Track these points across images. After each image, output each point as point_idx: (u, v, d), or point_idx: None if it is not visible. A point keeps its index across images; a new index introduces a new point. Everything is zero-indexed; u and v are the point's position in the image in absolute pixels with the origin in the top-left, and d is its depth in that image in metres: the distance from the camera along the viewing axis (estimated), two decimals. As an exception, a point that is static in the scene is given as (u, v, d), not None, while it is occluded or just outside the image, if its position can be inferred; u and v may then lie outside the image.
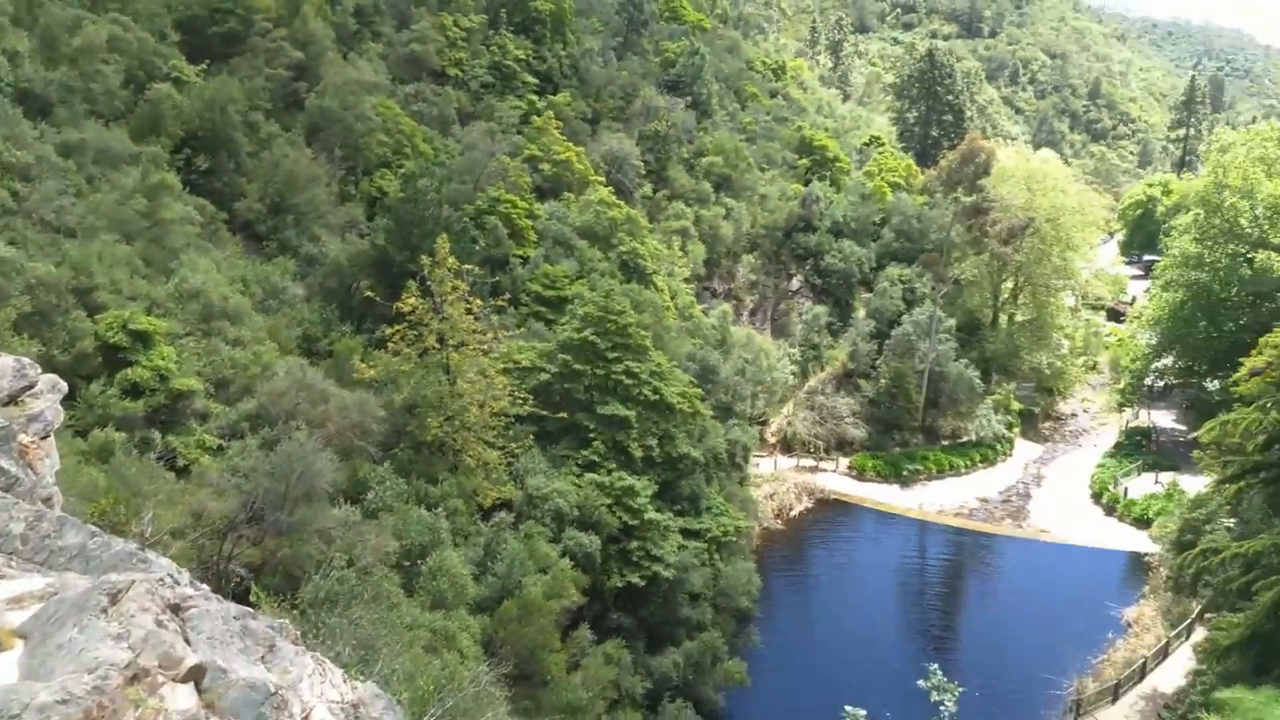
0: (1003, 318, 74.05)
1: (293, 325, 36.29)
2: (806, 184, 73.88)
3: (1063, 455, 66.38)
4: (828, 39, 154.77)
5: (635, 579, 33.99)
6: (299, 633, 6.46)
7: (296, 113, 46.47)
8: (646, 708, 32.37)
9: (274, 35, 47.12)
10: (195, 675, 4.69)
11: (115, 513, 16.65)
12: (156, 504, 19.01)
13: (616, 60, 70.69)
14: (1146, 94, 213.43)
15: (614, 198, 54.42)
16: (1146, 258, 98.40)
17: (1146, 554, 47.16)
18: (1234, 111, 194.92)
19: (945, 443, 63.13)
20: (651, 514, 35.22)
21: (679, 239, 60.15)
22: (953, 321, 66.45)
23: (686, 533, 36.90)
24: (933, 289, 67.93)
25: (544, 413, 37.29)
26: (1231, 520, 34.46)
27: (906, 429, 62.29)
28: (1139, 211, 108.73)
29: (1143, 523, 50.97)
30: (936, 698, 8.98)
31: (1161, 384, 69.71)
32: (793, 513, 53.98)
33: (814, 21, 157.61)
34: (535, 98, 60.43)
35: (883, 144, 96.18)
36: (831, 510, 55.27)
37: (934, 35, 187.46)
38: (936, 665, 9.23)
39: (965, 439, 63.30)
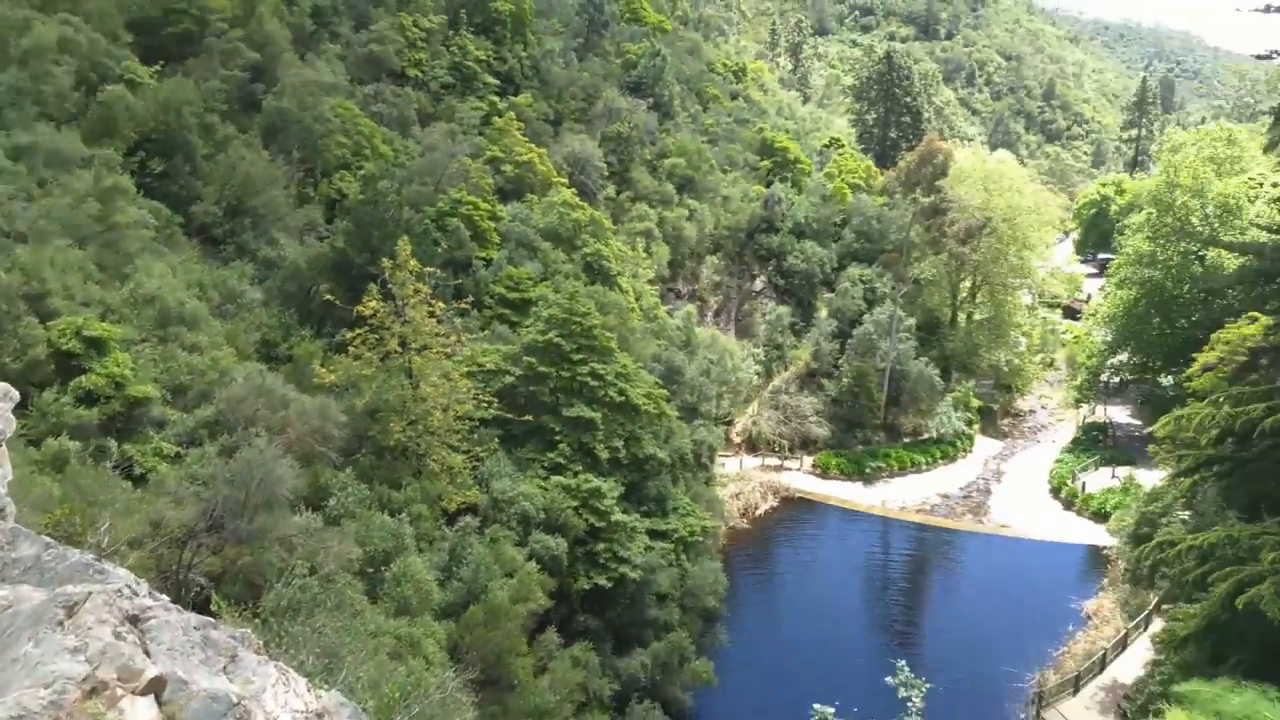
0: (961, 316, 75.05)
1: (251, 330, 35.76)
2: (768, 185, 74.38)
3: (1022, 451, 67.39)
4: (787, 41, 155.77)
5: (602, 581, 33.97)
6: (261, 642, 6.36)
7: (253, 114, 45.83)
8: (614, 709, 32.35)
9: (230, 36, 46.42)
10: (155, 687, 4.59)
11: (70, 523, 16.32)
12: (113, 513, 18.66)
13: (578, 61, 70.66)
14: (1099, 95, 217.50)
15: (577, 199, 54.36)
16: (1101, 256, 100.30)
17: (1105, 547, 47.96)
18: (1184, 112, 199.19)
19: (907, 440, 63.85)
20: (618, 515, 35.22)
21: (643, 240, 60.22)
22: (913, 320, 67.22)
23: (653, 534, 36.94)
24: (893, 288, 68.69)
25: (509, 415, 37.14)
26: (1187, 513, 35.09)
27: (869, 427, 62.93)
28: (1093, 211, 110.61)
29: (1101, 516, 51.88)
30: (904, 694, 9.06)
31: (1117, 380, 71.11)
32: (758, 512, 54.28)
33: (774, 24, 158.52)
34: (496, 99, 60.20)
35: (842, 145, 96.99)
36: (796, 508, 55.66)
37: (892, 37, 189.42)
38: (904, 662, 9.31)
39: (926, 436, 64.07)
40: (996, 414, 72.52)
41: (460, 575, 29.94)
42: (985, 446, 66.78)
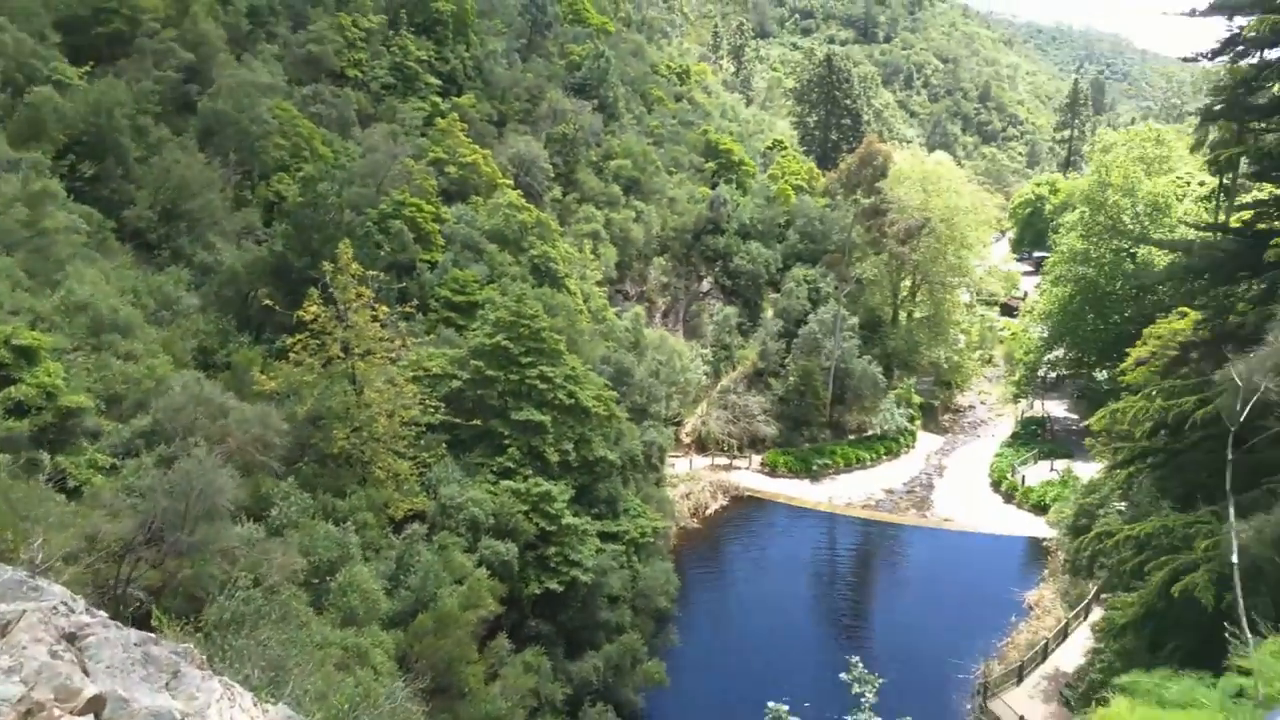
0: (902, 315, 76.34)
1: (188, 337, 34.86)
2: (713, 187, 74.85)
3: (962, 446, 68.75)
4: (729, 44, 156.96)
5: (554, 585, 33.80)
6: (205, 657, 6.19)
7: (188, 116, 44.72)
8: (567, 713, 32.23)
9: (162, 36, 45.25)
10: (95, 707, 4.44)
11: (2, 539, 15.73)
12: (46, 528, 18.04)
13: (521, 62, 70.28)
14: (1033, 97, 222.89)
15: (523, 201, 54.06)
16: (1036, 254, 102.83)
17: (1044, 539, 49.07)
18: (1114, 113, 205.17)
19: (852, 437, 64.73)
20: (569, 519, 35.08)
21: (590, 242, 60.13)
22: (856, 320, 68.26)
23: (604, 536, 36.88)
24: (836, 288, 69.58)
25: (457, 420, 36.78)
26: (1123, 504, 35.87)
27: (815, 425, 63.67)
28: (1028, 210, 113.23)
29: (1040, 509, 53.13)
30: (858, 689, 9.15)
31: (1054, 375, 72.95)
32: (708, 511, 54.55)
33: (716, 26, 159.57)
34: (439, 99, 59.61)
35: (785, 147, 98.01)
36: (746, 507, 56.07)
37: (831, 40, 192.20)
38: (858, 658, 9.40)
39: (870, 433, 65.02)
40: (937, 410, 73.92)
41: (408, 583, 29.57)
42: (927, 442, 67.99)
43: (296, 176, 43.60)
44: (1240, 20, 32.88)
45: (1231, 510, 12.14)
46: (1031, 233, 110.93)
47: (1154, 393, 29.65)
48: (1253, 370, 16.00)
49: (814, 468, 60.35)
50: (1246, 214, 33.87)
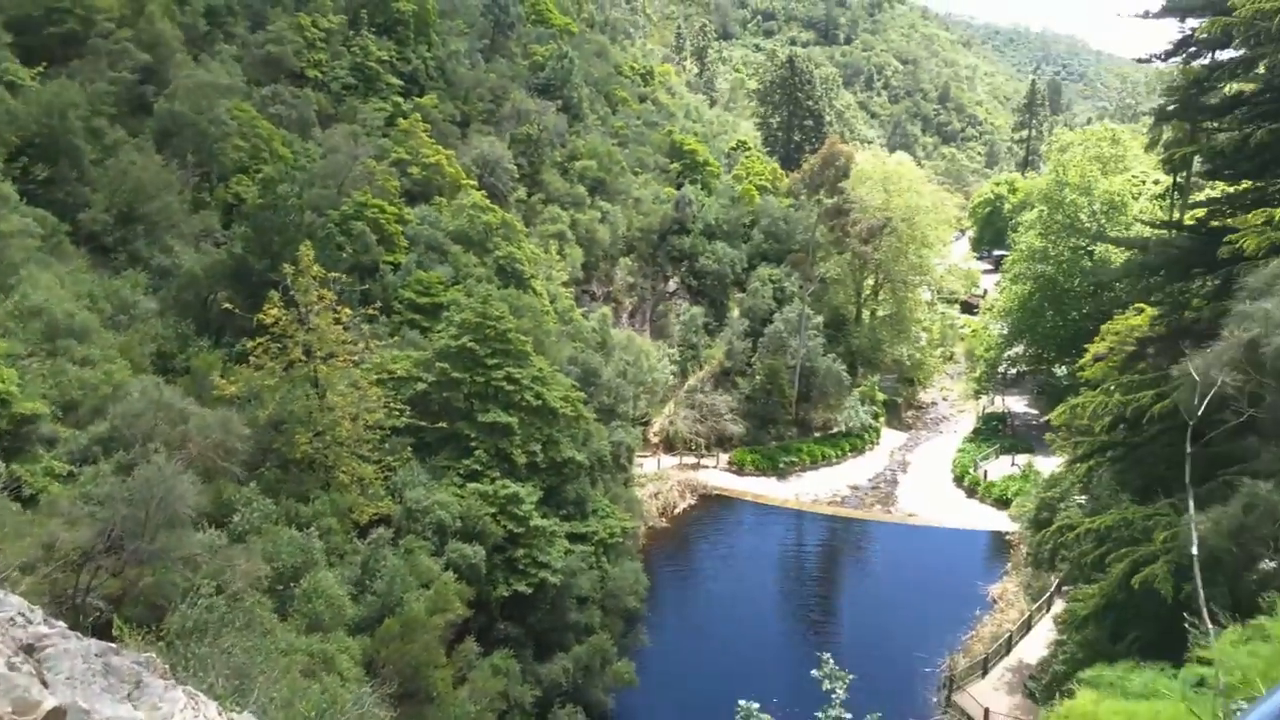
0: (865, 313, 77.02)
1: (146, 342, 34.21)
2: (678, 187, 74.97)
3: (926, 442, 69.51)
4: (692, 45, 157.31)
5: (522, 587, 33.63)
6: (168, 666, 6.07)
7: (144, 118, 43.89)
8: (536, 716, 32.10)
9: (117, 36, 44.34)
10: (55, 719, 4.33)
11: (-48, 550, 15.33)
12: (2, 537, 17.63)
13: (484, 62, 69.88)
14: (992, 97, 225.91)
15: (488, 202, 53.75)
16: (996, 253, 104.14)
17: (1007, 532, 49.72)
18: (1071, 113, 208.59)
19: (817, 434, 65.20)
20: (537, 520, 34.92)
21: (556, 243, 59.95)
22: (820, 318, 68.80)
23: (573, 537, 36.77)
24: (801, 288, 70.04)
25: (422, 423, 36.46)
26: (1083, 497, 36.32)
27: (781, 423, 64.07)
28: (987, 209, 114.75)
29: (1002, 503, 53.79)
30: (829, 686, 9.19)
31: (1014, 371, 73.97)
32: (677, 510, 54.66)
33: (679, 27, 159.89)
34: (401, 100, 59.07)
35: (749, 148, 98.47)
36: (714, 505, 56.25)
37: (793, 42, 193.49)
38: (829, 655, 9.45)
39: (836, 430, 65.52)
40: (901, 407, 74.70)
41: (374, 589, 29.26)
42: (891, 438, 68.66)
43: (256, 178, 42.98)
44: (1192, 22, 33.63)
45: (1191, 502, 12.37)
46: (991, 231, 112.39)
47: (1112, 388, 30.13)
48: (1209, 365, 16.33)
49: (781, 465, 60.69)
50: (1200, 211, 34.57)
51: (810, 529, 54.95)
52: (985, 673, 36.16)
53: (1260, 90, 30.49)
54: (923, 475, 61.74)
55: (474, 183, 56.12)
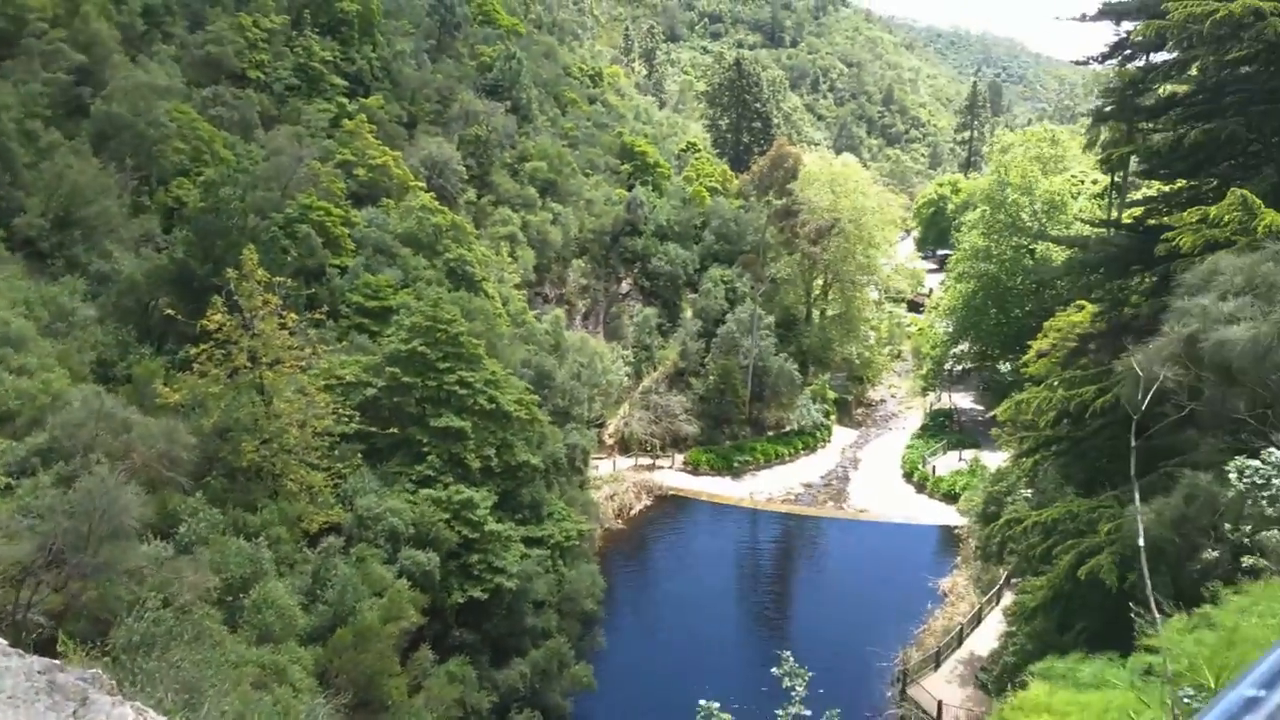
0: (815, 313, 77.83)
1: (85, 350, 33.25)
2: (630, 189, 75.00)
3: (875, 439, 70.46)
4: (641, 47, 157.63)
5: (477, 593, 33.32)
6: (114, 681, 5.88)
7: (81, 120, 42.64)
8: (494, 722, 31.85)
9: (51, 36, 43.01)
10: (-3, 743, 4.16)
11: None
12: (-68, 555, 16.98)
13: (431, 63, 69.18)
14: (934, 99, 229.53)
15: (437, 204, 53.21)
16: (940, 252, 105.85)
17: (956, 527, 50.49)
18: (1011, 115, 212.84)
19: (771, 433, 65.69)
20: (492, 525, 34.63)
21: (507, 245, 59.56)
22: (771, 318, 69.40)
23: (529, 541, 36.52)
24: (752, 288, 70.53)
25: (373, 429, 35.92)
26: (1030, 491, 36.93)
27: (735, 422, 64.44)
28: (931, 209, 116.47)
29: (951, 498, 54.68)
30: (789, 683, 9.24)
31: (959, 368, 75.16)
32: (633, 511, 54.66)
33: (627, 29, 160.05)
34: (345, 100, 58.16)
35: (699, 150, 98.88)
36: (670, 506, 56.37)
37: (740, 45, 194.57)
38: (789, 652, 9.49)
39: (788, 429, 66.09)
40: (851, 404, 75.63)
41: (325, 598, 28.77)
42: (842, 436, 69.46)
43: (197, 181, 41.96)
44: (1128, 25, 34.48)
45: (1137, 494, 12.65)
46: (935, 231, 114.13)
47: (1055, 383, 30.74)
48: (1150, 360, 16.75)
49: (735, 465, 61.03)
50: (1137, 210, 35.51)
51: (765, 527, 55.33)
52: (938, 666, 36.64)
53: (1193, 92, 31.42)
54: (873, 471, 62.53)
55: (422, 184, 55.53)
